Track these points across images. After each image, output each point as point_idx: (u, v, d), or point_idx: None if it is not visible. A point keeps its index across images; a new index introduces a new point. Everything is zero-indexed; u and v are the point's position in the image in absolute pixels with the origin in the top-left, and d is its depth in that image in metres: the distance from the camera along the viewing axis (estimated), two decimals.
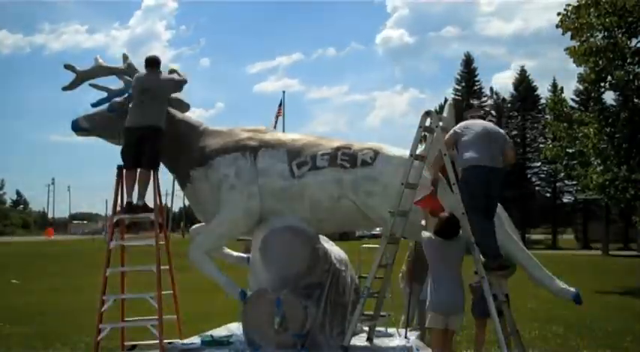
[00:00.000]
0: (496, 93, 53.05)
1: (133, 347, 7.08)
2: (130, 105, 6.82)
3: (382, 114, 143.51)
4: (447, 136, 6.10)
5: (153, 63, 6.96)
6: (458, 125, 6.21)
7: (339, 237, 32.97)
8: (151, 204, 6.93)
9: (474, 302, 6.88)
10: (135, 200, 6.88)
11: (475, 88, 52.47)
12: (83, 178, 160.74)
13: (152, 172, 6.86)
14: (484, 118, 6.49)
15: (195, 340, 6.79)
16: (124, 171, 6.87)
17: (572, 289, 6.33)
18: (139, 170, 6.77)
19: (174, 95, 7.41)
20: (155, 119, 6.73)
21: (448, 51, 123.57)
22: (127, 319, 6.97)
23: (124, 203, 6.88)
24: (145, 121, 6.68)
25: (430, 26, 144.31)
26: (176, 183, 7.78)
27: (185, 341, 6.87)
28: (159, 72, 6.96)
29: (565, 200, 51.40)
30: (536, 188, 52.18)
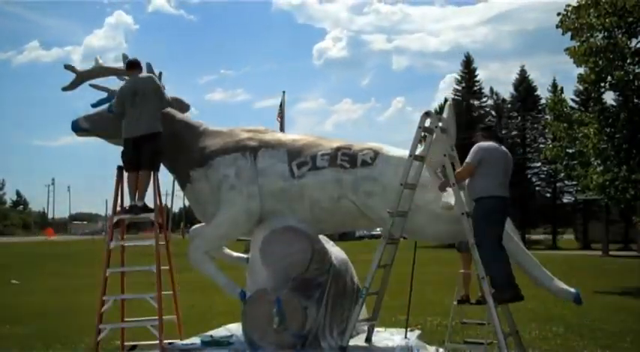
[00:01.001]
0: (496, 94, 53.07)
1: (133, 347, 7.09)
2: (126, 114, 6.77)
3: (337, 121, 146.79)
4: (472, 157, 6.04)
5: (133, 65, 6.98)
6: (482, 147, 6.14)
7: (339, 237, 33.09)
8: (151, 204, 6.94)
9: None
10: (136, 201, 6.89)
11: (475, 88, 52.44)
12: (83, 178, 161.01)
13: (152, 173, 6.87)
14: (497, 136, 6.56)
15: (195, 340, 6.79)
16: (126, 174, 6.89)
17: (572, 289, 6.34)
18: (139, 171, 6.78)
19: (173, 96, 7.43)
20: (150, 125, 6.72)
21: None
22: (126, 319, 6.98)
23: (125, 205, 6.89)
24: (141, 130, 6.70)
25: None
26: (176, 183, 7.77)
27: (185, 341, 6.87)
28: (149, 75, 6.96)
29: (565, 200, 51.36)
30: (536, 188, 52.15)
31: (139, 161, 6.77)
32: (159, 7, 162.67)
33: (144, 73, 6.95)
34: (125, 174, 6.98)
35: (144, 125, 6.70)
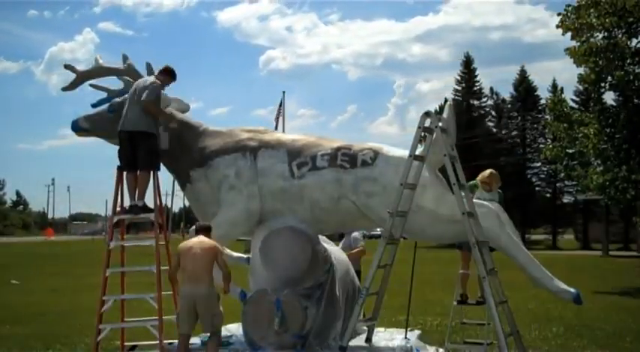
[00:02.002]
0: (496, 94, 53.09)
1: (133, 347, 7.08)
2: (125, 108, 6.80)
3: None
4: None
5: (165, 72, 6.97)
6: None
7: (339, 237, 33.06)
8: (150, 204, 6.93)
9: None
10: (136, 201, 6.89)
11: (475, 88, 52.44)
12: (83, 179, 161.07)
13: (152, 173, 6.86)
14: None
15: (195, 340, 6.78)
16: (125, 174, 6.88)
17: (572, 290, 6.34)
18: (138, 172, 6.78)
19: (173, 96, 7.43)
20: (141, 123, 6.70)
21: None
22: (126, 319, 6.97)
23: (125, 205, 6.88)
24: (131, 125, 6.70)
25: None
26: (176, 183, 7.77)
27: None
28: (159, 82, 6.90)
29: (565, 200, 51.38)
30: (537, 188, 52.14)
31: (136, 160, 6.76)
32: (104, 27, 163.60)
33: (150, 78, 6.91)
34: (125, 174, 6.97)
35: (132, 121, 6.68)
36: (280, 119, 27.96)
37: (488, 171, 7.07)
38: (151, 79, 6.87)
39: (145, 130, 6.70)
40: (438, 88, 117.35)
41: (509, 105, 52.38)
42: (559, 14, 17.62)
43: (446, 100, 38.68)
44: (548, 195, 51.68)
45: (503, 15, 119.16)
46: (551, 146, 19.16)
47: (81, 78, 7.39)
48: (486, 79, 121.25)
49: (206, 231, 6.29)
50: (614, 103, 19.20)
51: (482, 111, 52.77)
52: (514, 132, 51.85)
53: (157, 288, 6.56)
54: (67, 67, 7.37)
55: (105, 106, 7.23)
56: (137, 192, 6.82)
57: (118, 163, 6.96)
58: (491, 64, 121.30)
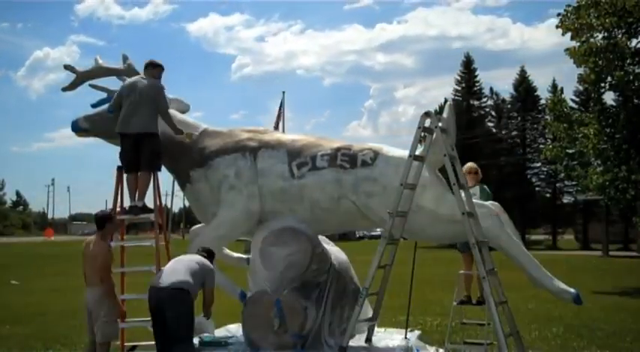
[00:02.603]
0: (496, 94, 53.08)
1: (133, 347, 7.08)
2: (122, 109, 6.76)
3: None
4: None
5: (150, 66, 6.92)
6: None
7: (339, 237, 33.07)
8: (150, 204, 6.93)
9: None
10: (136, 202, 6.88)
11: (475, 88, 52.42)
12: (83, 179, 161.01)
13: (152, 174, 6.86)
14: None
15: (195, 340, 6.78)
16: (125, 175, 6.88)
17: (572, 290, 6.34)
18: (139, 172, 6.78)
19: (172, 96, 7.43)
20: (148, 124, 6.71)
21: None
22: (127, 320, 6.96)
23: (125, 205, 6.88)
24: (139, 127, 6.68)
25: None
26: (176, 183, 7.77)
27: None
28: (155, 78, 6.89)
29: (565, 200, 51.36)
30: (536, 188, 52.13)
31: (138, 161, 6.75)
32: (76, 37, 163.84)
33: (152, 80, 6.87)
34: (125, 175, 6.97)
35: (140, 123, 6.67)
36: (280, 119, 27.96)
37: (465, 166, 7.06)
38: (151, 81, 6.83)
39: (152, 131, 6.72)
40: (410, 93, 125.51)
41: (509, 106, 52.37)
42: (559, 14, 17.64)
43: (446, 100, 38.68)
44: (548, 195, 51.66)
45: (460, 26, 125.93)
46: (551, 146, 19.15)
47: (81, 78, 7.38)
48: (449, 87, 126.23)
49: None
50: (614, 103, 19.19)
51: (482, 112, 52.75)
52: (514, 132, 51.83)
53: None
54: (67, 67, 7.37)
55: (105, 106, 7.23)
56: (137, 193, 6.82)
57: (118, 163, 6.96)
58: (453, 69, 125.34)
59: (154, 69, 6.95)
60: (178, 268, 5.64)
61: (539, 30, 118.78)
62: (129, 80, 6.95)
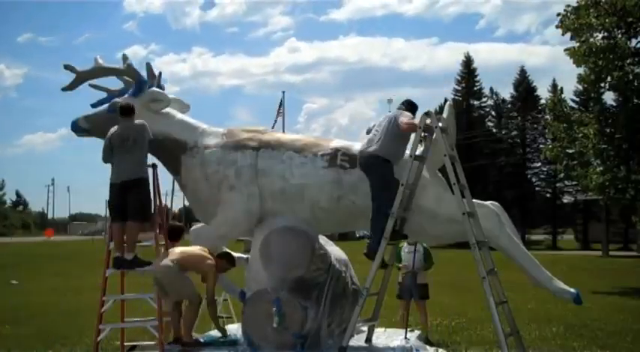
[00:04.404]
0: (496, 94, 53.09)
1: (133, 347, 7.07)
2: (114, 161, 6.50)
3: None
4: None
5: (129, 111, 6.61)
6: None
7: (339, 237, 33.04)
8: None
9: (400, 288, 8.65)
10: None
11: (475, 88, 52.44)
12: (83, 179, 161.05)
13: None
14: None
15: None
16: (111, 224, 6.60)
17: (572, 290, 6.34)
18: (127, 222, 6.41)
19: (173, 96, 7.42)
20: (137, 170, 6.44)
21: None
22: (126, 319, 6.96)
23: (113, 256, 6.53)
24: (126, 175, 6.38)
25: None
26: (176, 183, 7.75)
27: None
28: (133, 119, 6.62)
29: (565, 200, 51.39)
30: (537, 188, 52.16)
31: (125, 210, 6.38)
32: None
33: (138, 120, 6.61)
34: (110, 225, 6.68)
35: (129, 171, 6.40)
36: (280, 119, 28.06)
37: None
38: (132, 122, 6.57)
39: (139, 177, 6.44)
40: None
41: (509, 105, 52.40)
42: (558, 14, 17.64)
43: (446, 100, 38.68)
44: (548, 195, 51.68)
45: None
46: (551, 146, 19.15)
47: (80, 78, 7.37)
48: (372, 103, 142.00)
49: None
50: (613, 103, 19.22)
51: (482, 112, 52.77)
52: (514, 132, 51.86)
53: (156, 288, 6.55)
54: (67, 67, 7.35)
55: (105, 106, 7.23)
56: (127, 244, 6.48)
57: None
58: (371, 87, 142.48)
59: (131, 111, 6.63)
60: None
61: None
62: (118, 127, 6.59)
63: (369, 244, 6.30)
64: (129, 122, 6.56)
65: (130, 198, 6.35)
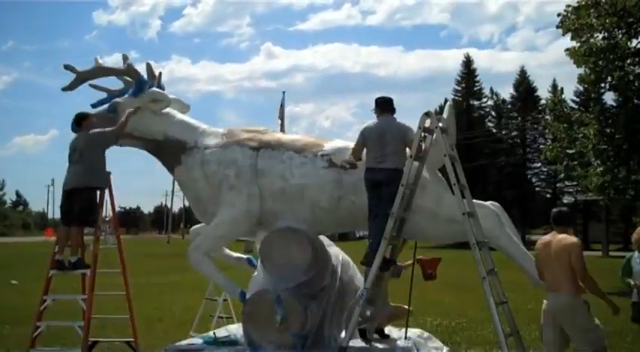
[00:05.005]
0: (496, 94, 53.11)
1: (94, 343, 7.35)
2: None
3: None
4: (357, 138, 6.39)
5: (78, 122, 7.07)
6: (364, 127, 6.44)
7: (339, 237, 33.04)
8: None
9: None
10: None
11: (475, 88, 52.45)
12: None
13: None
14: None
15: (196, 340, 6.79)
16: (58, 228, 7.24)
17: None
18: (71, 227, 7.00)
19: (172, 96, 7.41)
20: (79, 180, 6.87)
21: None
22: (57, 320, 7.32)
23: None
24: (70, 184, 6.89)
25: None
26: (176, 183, 7.76)
27: (185, 341, 6.88)
28: (87, 130, 6.99)
29: (565, 200, 51.38)
30: (537, 188, 52.20)
31: (70, 215, 6.95)
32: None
33: (93, 130, 6.96)
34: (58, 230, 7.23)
35: (72, 180, 6.89)
36: (280, 119, 27.87)
37: None
38: (81, 135, 6.99)
39: (82, 186, 6.90)
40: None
41: (509, 106, 52.41)
42: (559, 14, 17.66)
43: (446, 100, 38.67)
44: (548, 195, 51.72)
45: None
46: (551, 146, 19.18)
47: (80, 78, 7.37)
48: (351, 107, 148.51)
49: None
50: (614, 104, 19.26)
51: (482, 112, 52.79)
52: (514, 133, 51.89)
53: (87, 290, 6.98)
54: (67, 67, 7.35)
55: (105, 106, 7.23)
56: (71, 248, 7.10)
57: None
58: (351, 92, 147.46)
59: (85, 121, 7.05)
60: None
61: None
62: (74, 138, 7.06)
63: (367, 253, 6.24)
64: (80, 133, 6.97)
65: (73, 205, 6.85)
